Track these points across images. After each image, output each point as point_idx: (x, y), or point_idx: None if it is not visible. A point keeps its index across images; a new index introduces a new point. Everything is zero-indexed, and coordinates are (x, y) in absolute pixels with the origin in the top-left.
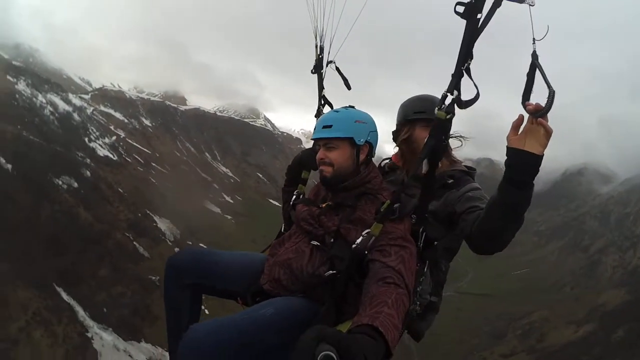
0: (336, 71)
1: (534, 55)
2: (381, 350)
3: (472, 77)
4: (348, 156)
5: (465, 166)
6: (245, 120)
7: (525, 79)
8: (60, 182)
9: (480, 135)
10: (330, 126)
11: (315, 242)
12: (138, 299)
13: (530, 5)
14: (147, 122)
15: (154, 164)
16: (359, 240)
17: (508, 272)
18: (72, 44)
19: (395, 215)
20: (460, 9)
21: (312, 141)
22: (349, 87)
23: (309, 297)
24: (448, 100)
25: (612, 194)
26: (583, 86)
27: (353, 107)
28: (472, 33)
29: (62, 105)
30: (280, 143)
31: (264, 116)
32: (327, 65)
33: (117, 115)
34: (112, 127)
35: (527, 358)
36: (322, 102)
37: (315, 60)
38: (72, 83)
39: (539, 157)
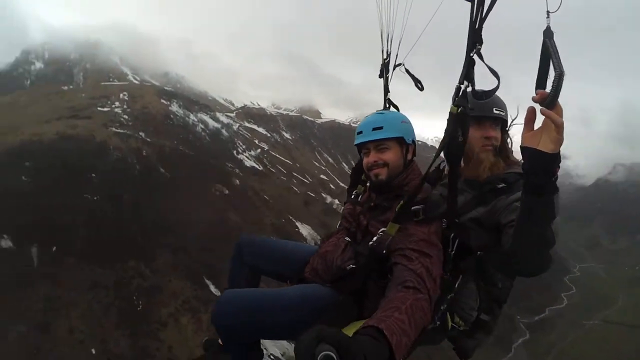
0: (406, 74)
1: (547, 33)
2: (383, 352)
3: (487, 63)
4: (400, 156)
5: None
6: None
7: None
8: (213, 189)
9: (636, 135)
10: (381, 127)
11: (348, 238)
12: None
13: None
14: (287, 136)
15: (295, 174)
16: (375, 238)
17: None
18: (213, 69)
19: (419, 217)
20: None
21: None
22: (421, 88)
23: (336, 287)
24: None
25: None
26: None
27: (389, 105)
28: (477, 15)
29: (212, 123)
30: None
31: None
32: (394, 69)
33: (260, 130)
34: (256, 141)
35: None
36: (388, 105)
37: (382, 64)
38: (216, 103)
39: (552, 156)
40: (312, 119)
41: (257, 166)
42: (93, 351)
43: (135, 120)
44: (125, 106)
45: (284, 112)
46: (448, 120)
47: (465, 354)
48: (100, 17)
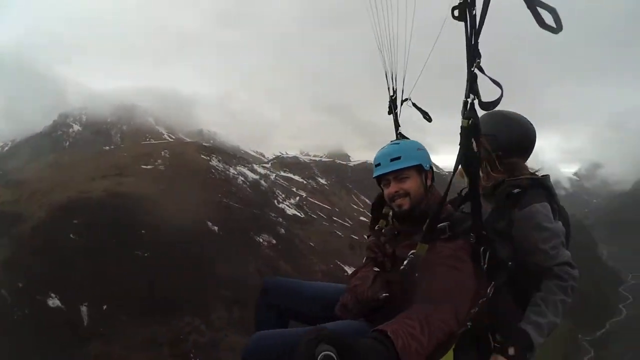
0: (414, 107)
1: None
2: (386, 353)
3: (488, 74)
4: (420, 183)
5: (540, 175)
6: None
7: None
8: (261, 240)
9: None
10: (398, 158)
11: (376, 269)
12: None
13: None
14: (322, 181)
15: (335, 218)
16: (405, 262)
17: None
18: (245, 123)
19: (445, 234)
20: (456, 12)
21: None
22: (429, 120)
23: (370, 321)
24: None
25: None
26: None
27: (401, 138)
28: (472, 32)
29: (250, 175)
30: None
31: None
32: (402, 104)
33: (296, 177)
34: (294, 189)
35: None
36: (400, 139)
37: (389, 101)
38: (249, 156)
39: None
40: (344, 163)
41: (298, 214)
42: None
43: (179, 176)
44: (167, 163)
45: (316, 159)
46: (460, 134)
47: None
48: (136, 81)
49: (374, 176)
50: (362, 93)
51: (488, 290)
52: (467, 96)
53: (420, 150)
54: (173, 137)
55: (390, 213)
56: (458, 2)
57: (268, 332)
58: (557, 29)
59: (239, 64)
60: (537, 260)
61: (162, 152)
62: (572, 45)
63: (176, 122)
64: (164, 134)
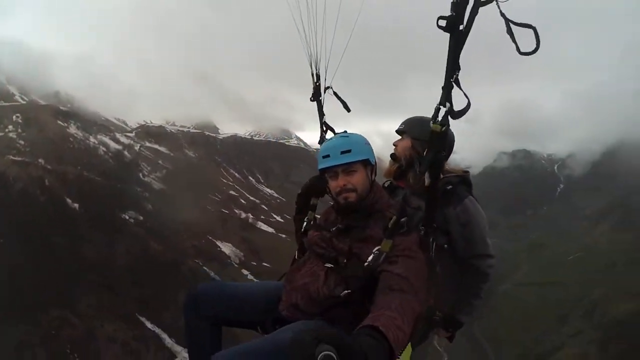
0: (334, 96)
1: (503, 15)
2: (383, 349)
3: (462, 88)
4: (365, 178)
5: (463, 170)
6: (280, 141)
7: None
8: (127, 217)
9: (515, 127)
10: (349, 151)
11: (329, 265)
12: None
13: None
14: (190, 153)
15: (204, 192)
16: (370, 258)
17: (562, 258)
18: (110, 88)
19: (404, 229)
20: (443, 22)
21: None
22: (348, 110)
23: (327, 319)
24: (442, 113)
25: None
26: (615, 62)
27: (326, 127)
28: (456, 45)
29: (113, 145)
30: (316, 160)
31: (296, 136)
32: (325, 92)
33: (162, 149)
34: (160, 162)
35: (593, 333)
36: (325, 128)
37: (313, 88)
38: (110, 124)
39: None
40: (213, 135)
41: (166, 188)
42: None
43: (33, 145)
44: (19, 130)
45: (184, 129)
46: (431, 138)
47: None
48: None
49: (320, 167)
50: (234, 65)
51: (437, 272)
52: (442, 104)
53: (368, 145)
54: (26, 99)
55: (332, 204)
56: (449, 9)
57: (224, 353)
58: (534, 49)
59: (101, 21)
60: (466, 250)
61: (14, 117)
62: (429, 40)
63: (29, 82)
64: (15, 95)
